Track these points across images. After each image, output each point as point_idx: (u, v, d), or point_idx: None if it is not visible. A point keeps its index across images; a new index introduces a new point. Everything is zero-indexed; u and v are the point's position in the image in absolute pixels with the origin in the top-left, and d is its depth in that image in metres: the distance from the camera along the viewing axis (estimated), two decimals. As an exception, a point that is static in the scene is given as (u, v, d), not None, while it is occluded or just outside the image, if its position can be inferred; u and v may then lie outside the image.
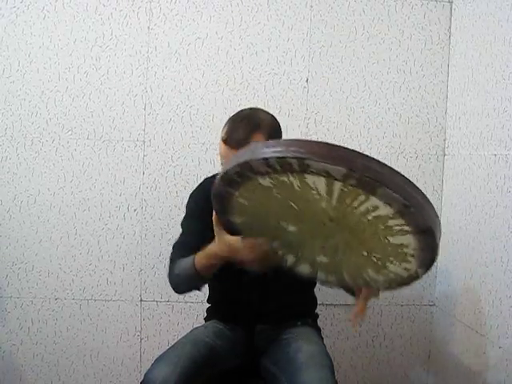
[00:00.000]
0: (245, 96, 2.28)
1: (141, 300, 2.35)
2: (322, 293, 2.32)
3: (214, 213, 1.54)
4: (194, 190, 1.93)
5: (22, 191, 2.28)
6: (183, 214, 1.89)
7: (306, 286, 1.93)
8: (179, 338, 1.78)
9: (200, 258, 1.65)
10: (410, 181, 1.21)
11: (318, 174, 1.21)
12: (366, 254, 1.40)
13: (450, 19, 2.37)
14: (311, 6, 2.32)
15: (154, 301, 2.35)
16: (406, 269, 1.39)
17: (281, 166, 1.23)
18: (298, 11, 2.31)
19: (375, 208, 1.24)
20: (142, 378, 1.58)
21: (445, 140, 2.39)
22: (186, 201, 1.91)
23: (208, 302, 1.97)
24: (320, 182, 1.24)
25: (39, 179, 2.28)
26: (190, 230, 1.83)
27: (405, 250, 1.32)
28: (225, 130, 1.66)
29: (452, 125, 2.34)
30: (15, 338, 2.32)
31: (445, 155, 2.39)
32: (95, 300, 2.33)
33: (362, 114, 2.35)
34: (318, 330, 1.93)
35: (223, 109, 2.25)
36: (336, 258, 1.49)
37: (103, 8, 2.26)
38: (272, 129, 1.68)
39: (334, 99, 2.34)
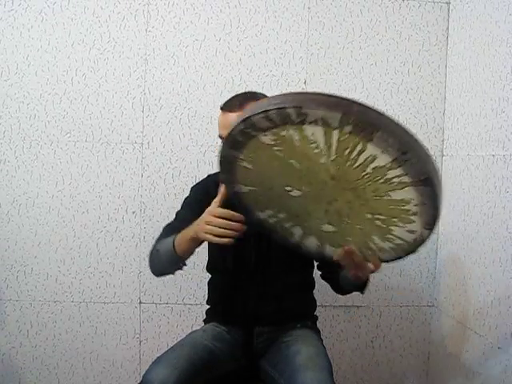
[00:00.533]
0: (243, 98, 2.28)
1: (140, 302, 2.35)
2: (321, 294, 2.31)
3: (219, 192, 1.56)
4: (197, 183, 1.95)
5: (21, 194, 2.28)
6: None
7: (305, 287, 1.93)
8: (178, 339, 1.78)
9: (179, 235, 1.65)
10: (407, 129, 1.22)
11: (315, 123, 1.24)
12: (369, 216, 1.41)
13: (448, 20, 2.37)
14: (309, 8, 2.32)
15: (153, 303, 2.35)
16: (410, 231, 1.39)
17: (280, 117, 1.26)
18: (296, 13, 2.32)
19: (373, 158, 1.25)
20: (140, 380, 1.58)
21: (443, 141, 2.39)
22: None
23: (207, 304, 1.97)
24: (318, 133, 1.26)
25: (38, 182, 2.28)
26: (183, 216, 1.83)
27: (407, 206, 1.33)
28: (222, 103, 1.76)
29: (450, 126, 2.34)
30: (14, 341, 2.32)
31: (443, 156, 2.39)
32: (94, 302, 2.33)
33: (360, 116, 2.35)
34: (318, 332, 1.92)
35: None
36: (341, 225, 1.48)
37: (101, 10, 2.26)
38: None
39: (332, 100, 2.34)
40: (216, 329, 1.84)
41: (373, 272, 1.53)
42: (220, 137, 1.72)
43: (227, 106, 1.72)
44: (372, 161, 1.26)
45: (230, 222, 1.50)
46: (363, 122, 1.21)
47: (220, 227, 1.50)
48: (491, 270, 1.97)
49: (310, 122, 1.25)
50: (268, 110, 1.27)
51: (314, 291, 1.97)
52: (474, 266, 2.09)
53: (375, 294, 2.41)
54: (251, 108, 1.33)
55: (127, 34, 2.28)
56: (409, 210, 1.34)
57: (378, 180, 1.30)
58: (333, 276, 1.83)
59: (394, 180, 1.28)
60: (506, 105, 1.90)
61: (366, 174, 1.30)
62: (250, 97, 1.72)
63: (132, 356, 2.36)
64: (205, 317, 1.96)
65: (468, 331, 2.12)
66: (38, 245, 2.30)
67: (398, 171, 1.25)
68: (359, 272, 1.52)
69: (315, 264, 1.94)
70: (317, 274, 1.94)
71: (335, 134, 1.24)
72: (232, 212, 1.52)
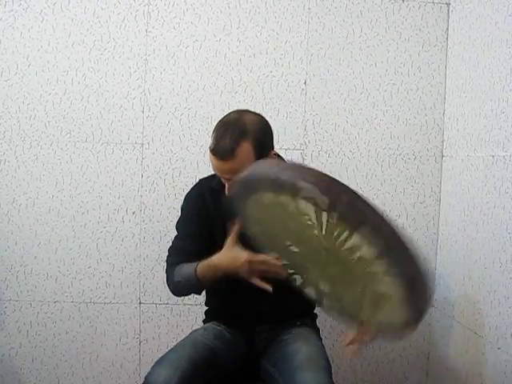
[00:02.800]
0: (243, 98, 2.28)
1: (140, 302, 2.35)
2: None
3: (231, 226, 1.64)
4: (189, 192, 1.93)
5: (21, 194, 2.28)
6: (176, 222, 1.90)
7: None
8: (178, 340, 1.79)
9: (202, 268, 1.69)
10: (394, 227, 1.21)
11: (307, 200, 1.24)
12: (360, 290, 1.39)
13: (448, 21, 2.37)
14: (309, 9, 2.32)
15: (153, 303, 2.35)
16: (399, 317, 1.36)
17: (277, 186, 1.28)
18: (296, 14, 2.32)
19: (358, 248, 1.24)
20: (142, 381, 1.58)
21: (443, 141, 2.39)
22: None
23: (207, 304, 1.97)
24: (310, 210, 1.26)
25: (38, 182, 2.28)
26: (186, 233, 1.84)
27: (392, 297, 1.30)
28: (212, 140, 1.65)
29: (450, 126, 2.34)
30: (14, 341, 2.32)
31: (443, 156, 2.39)
32: (94, 303, 2.33)
33: (360, 116, 2.35)
34: (318, 330, 1.93)
35: (221, 111, 2.23)
36: (335, 288, 1.48)
37: (101, 11, 2.26)
38: (259, 133, 1.66)
39: (332, 101, 2.34)
40: (217, 328, 1.85)
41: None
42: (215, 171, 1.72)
43: (219, 153, 1.62)
44: (357, 250, 1.25)
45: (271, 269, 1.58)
46: (349, 213, 1.20)
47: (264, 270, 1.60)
48: (491, 270, 1.97)
49: (303, 198, 1.25)
50: (269, 176, 1.31)
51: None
52: (473, 267, 2.09)
53: (375, 294, 2.41)
54: (260, 164, 1.40)
55: (127, 34, 2.28)
56: (392, 300, 1.31)
57: (363, 267, 1.29)
58: None
59: (379, 271, 1.26)
60: (506, 105, 1.90)
61: (353, 260, 1.29)
62: (239, 134, 1.62)
63: (132, 356, 2.36)
64: (204, 317, 1.96)
65: (468, 332, 2.12)
66: (38, 245, 2.30)
67: (382, 263, 1.24)
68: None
69: None
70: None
71: (325, 217, 1.24)
72: (268, 258, 1.59)
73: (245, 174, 1.40)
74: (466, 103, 2.20)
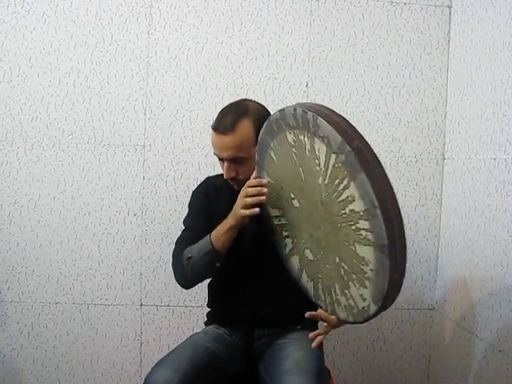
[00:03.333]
0: (245, 100, 2.28)
1: (141, 304, 2.35)
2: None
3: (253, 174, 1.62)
4: (197, 188, 1.94)
5: (23, 195, 2.28)
6: (183, 219, 1.90)
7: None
8: (179, 342, 1.79)
9: (216, 232, 1.66)
10: (390, 185, 1.21)
11: (322, 139, 1.27)
12: (337, 260, 1.38)
13: (449, 24, 2.38)
14: (311, 11, 2.33)
15: (154, 305, 2.35)
16: (362, 297, 1.33)
17: (302, 120, 1.31)
18: (298, 16, 2.32)
19: (352, 199, 1.24)
20: (142, 383, 1.58)
21: (444, 144, 2.39)
22: (186, 205, 1.91)
23: (208, 306, 1.97)
24: (322, 151, 1.28)
25: (39, 183, 2.28)
26: (194, 226, 1.83)
27: (364, 267, 1.28)
28: (214, 120, 1.72)
29: (451, 129, 2.35)
30: (15, 343, 2.32)
31: (444, 159, 2.39)
32: (95, 304, 2.33)
33: (361, 119, 2.35)
34: (318, 333, 1.92)
35: None
36: (317, 255, 1.47)
37: (103, 13, 2.27)
38: (259, 113, 1.71)
39: (334, 104, 2.34)
40: (217, 331, 1.84)
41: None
42: (215, 154, 1.72)
43: (220, 128, 1.67)
44: (351, 202, 1.25)
45: (260, 188, 1.55)
46: (353, 158, 1.21)
47: (251, 195, 1.56)
48: (492, 273, 1.97)
49: (320, 136, 1.27)
50: (296, 108, 1.33)
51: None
52: (475, 270, 2.09)
53: (376, 296, 2.41)
54: (284, 108, 1.40)
55: (129, 36, 2.28)
56: (365, 273, 1.28)
57: (351, 225, 1.28)
58: None
59: (362, 233, 1.25)
60: (508, 108, 1.90)
61: (345, 214, 1.29)
62: (241, 112, 1.68)
63: (133, 358, 2.36)
64: (205, 319, 1.96)
65: (469, 334, 2.12)
66: (40, 246, 2.30)
67: (365, 224, 1.23)
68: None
69: None
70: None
71: (333, 159, 1.26)
72: (259, 179, 1.58)
73: (275, 113, 1.45)
74: (467, 106, 2.20)
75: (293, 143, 1.38)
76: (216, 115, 1.72)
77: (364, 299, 1.32)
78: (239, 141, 1.65)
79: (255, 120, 1.67)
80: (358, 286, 1.33)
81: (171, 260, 1.82)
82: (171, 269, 2.27)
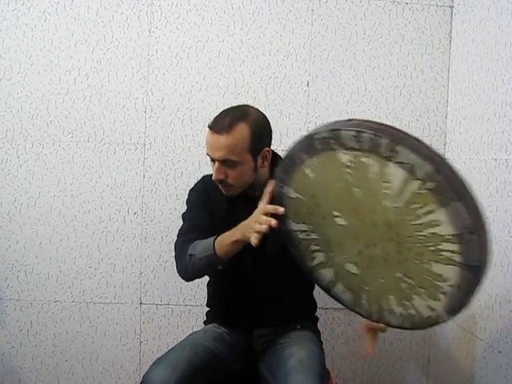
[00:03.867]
0: (245, 99, 2.28)
1: (140, 303, 2.35)
2: (321, 296, 2.30)
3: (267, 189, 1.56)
4: (195, 185, 1.91)
5: (22, 193, 2.28)
6: (182, 214, 1.89)
7: (305, 289, 1.93)
8: (179, 341, 1.79)
9: (222, 236, 1.61)
10: (482, 211, 1.23)
11: (401, 165, 1.22)
12: (399, 275, 1.39)
13: (451, 24, 2.37)
14: (312, 10, 2.32)
15: (153, 304, 2.35)
16: (430, 308, 1.37)
17: (370, 144, 1.24)
18: (299, 15, 2.32)
19: (437, 224, 1.24)
20: (141, 381, 1.58)
21: (445, 144, 2.39)
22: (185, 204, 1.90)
23: (207, 305, 1.97)
24: (398, 176, 1.24)
25: (39, 182, 2.28)
26: (195, 215, 1.81)
27: (441, 283, 1.31)
28: (212, 119, 1.69)
29: (452, 129, 2.34)
30: (14, 341, 2.32)
31: (445, 159, 2.39)
32: (95, 303, 2.33)
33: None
34: (318, 333, 1.92)
35: None
36: (366, 271, 1.47)
37: (104, 11, 2.26)
38: (259, 121, 1.70)
39: (335, 103, 2.34)
40: (217, 330, 1.84)
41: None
42: (208, 154, 1.69)
43: (216, 127, 1.64)
44: (434, 226, 1.25)
45: (270, 220, 1.48)
46: (449, 186, 1.20)
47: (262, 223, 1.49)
48: (492, 273, 1.95)
49: (397, 162, 1.23)
50: (362, 132, 1.25)
51: (314, 293, 1.96)
52: (475, 270, 2.09)
53: (376, 296, 2.41)
54: (346, 121, 1.33)
55: (130, 34, 2.28)
56: (441, 288, 1.32)
57: (428, 246, 1.29)
58: None
59: (444, 254, 1.26)
60: (509, 109, 1.90)
61: (421, 236, 1.29)
62: (239, 116, 1.66)
63: (132, 357, 2.36)
64: (205, 318, 1.96)
65: (468, 335, 2.12)
66: (39, 244, 2.30)
67: (453, 247, 1.24)
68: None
69: None
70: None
71: (414, 186, 1.23)
72: (280, 208, 1.50)
73: (318, 130, 1.36)
74: (468, 106, 2.20)
75: (348, 164, 1.32)
76: (216, 114, 1.71)
77: (432, 309, 1.38)
78: (233, 143, 1.62)
79: (253, 126, 1.66)
80: (426, 298, 1.37)
81: (174, 251, 1.78)
82: (171, 267, 2.28)
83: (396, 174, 1.24)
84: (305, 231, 1.56)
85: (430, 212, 1.24)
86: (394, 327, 1.54)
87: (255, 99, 2.28)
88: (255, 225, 1.49)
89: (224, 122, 1.64)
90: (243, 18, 2.30)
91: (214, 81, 2.30)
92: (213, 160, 1.68)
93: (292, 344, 1.76)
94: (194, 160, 2.30)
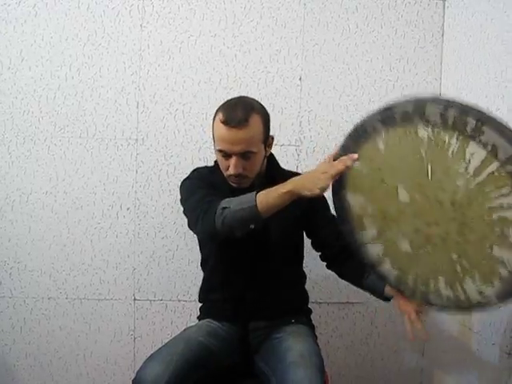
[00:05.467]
0: (238, 94, 2.20)
1: (134, 299, 2.34)
2: (315, 291, 2.33)
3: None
4: (189, 175, 1.89)
5: (14, 190, 2.26)
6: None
7: (298, 280, 1.95)
8: (173, 336, 1.78)
9: (267, 192, 1.57)
10: None
11: (484, 145, 1.23)
12: (455, 257, 1.39)
13: (443, 17, 2.37)
14: (304, 4, 2.31)
15: (147, 300, 2.34)
16: (481, 293, 1.37)
17: (455, 121, 1.26)
18: (292, 9, 2.31)
19: (509, 208, 1.25)
20: (134, 376, 1.58)
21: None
22: (179, 199, 1.88)
23: (200, 300, 1.97)
24: (478, 156, 1.25)
25: (31, 178, 2.26)
26: (204, 190, 1.74)
27: (499, 268, 1.31)
28: (221, 115, 1.68)
29: (445, 123, 2.34)
30: (8, 338, 2.31)
31: (438, 153, 2.39)
32: (88, 299, 2.32)
33: (355, 113, 2.34)
34: (312, 327, 1.93)
35: (216, 107, 2.22)
36: (420, 250, 1.46)
37: (95, 5, 2.25)
38: (263, 110, 1.75)
39: (328, 97, 2.34)
40: (211, 325, 1.84)
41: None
42: (221, 151, 1.68)
43: (233, 121, 1.63)
44: (506, 209, 1.25)
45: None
46: None
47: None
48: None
49: (480, 142, 1.23)
50: (449, 107, 1.27)
51: (308, 287, 1.98)
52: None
53: (370, 290, 2.41)
54: (433, 96, 1.37)
55: (122, 29, 2.26)
56: (498, 273, 1.32)
57: (494, 229, 1.29)
58: (342, 269, 1.89)
59: (511, 239, 1.27)
60: (501, 102, 1.90)
61: (489, 219, 1.29)
62: (250, 108, 1.68)
63: (126, 353, 2.36)
64: (199, 314, 1.96)
65: (462, 328, 2.13)
66: (32, 241, 2.28)
67: None
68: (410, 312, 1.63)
69: (318, 254, 1.94)
70: (308, 266, 1.97)
71: (493, 167, 1.24)
72: (354, 154, 1.48)
73: (400, 103, 1.36)
74: (461, 99, 2.20)
75: (427, 139, 1.33)
76: (211, 109, 1.72)
77: (481, 294, 1.38)
78: (251, 135, 1.65)
79: (263, 116, 1.71)
80: (479, 283, 1.37)
81: (191, 216, 1.72)
82: (165, 263, 2.30)
83: (476, 153, 1.25)
84: (360, 204, 1.54)
85: (503, 195, 1.25)
86: (438, 309, 1.56)
87: (248, 94, 2.22)
88: (322, 175, 1.49)
89: (239, 115, 1.65)
90: (235, 12, 2.29)
91: (207, 75, 2.29)
92: (227, 155, 1.68)
93: (289, 338, 1.76)
94: (187, 155, 2.29)
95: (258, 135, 1.66)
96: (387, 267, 1.58)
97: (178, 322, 2.33)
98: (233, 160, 1.67)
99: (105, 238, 2.31)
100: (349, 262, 1.81)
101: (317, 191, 1.49)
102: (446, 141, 1.29)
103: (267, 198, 1.56)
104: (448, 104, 1.28)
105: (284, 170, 1.93)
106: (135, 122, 2.29)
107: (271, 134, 1.80)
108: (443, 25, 2.37)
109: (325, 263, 1.95)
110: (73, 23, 2.24)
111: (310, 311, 1.97)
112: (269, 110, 1.80)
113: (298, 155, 2.32)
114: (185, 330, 1.84)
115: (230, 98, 2.19)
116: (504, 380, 1.84)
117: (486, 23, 2.02)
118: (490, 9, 2.01)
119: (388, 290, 1.72)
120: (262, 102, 1.77)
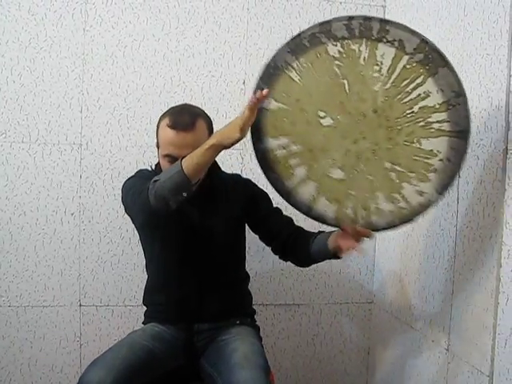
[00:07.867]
0: (182, 98, 2.27)
1: (80, 305, 2.31)
2: (262, 293, 2.35)
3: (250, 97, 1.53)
4: (133, 175, 1.91)
5: (-46, 196, 2.21)
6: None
7: (241, 281, 1.96)
8: (119, 341, 1.78)
9: (190, 155, 1.58)
10: (460, 79, 1.41)
11: (391, 43, 1.39)
12: (388, 165, 1.47)
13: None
14: (248, 9, 2.34)
15: (93, 305, 2.32)
16: (420, 192, 1.47)
17: (361, 29, 1.40)
18: (235, 14, 2.33)
19: (426, 95, 1.39)
20: (77, 382, 1.56)
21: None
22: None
23: (144, 303, 1.96)
24: (388, 55, 1.40)
25: (-28, 184, 2.22)
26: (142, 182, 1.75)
27: (431, 160, 1.43)
28: (168, 120, 1.71)
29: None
30: None
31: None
32: (32, 306, 2.28)
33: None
34: (257, 329, 1.95)
35: (160, 111, 2.16)
36: (353, 172, 1.51)
37: (37, 8, 2.22)
38: (207, 116, 1.78)
39: (272, 101, 2.36)
40: (155, 328, 1.84)
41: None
42: (168, 155, 1.69)
43: (180, 126, 1.67)
44: (423, 98, 1.39)
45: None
46: (436, 54, 1.37)
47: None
48: (425, 266, 2.03)
49: (387, 41, 1.38)
50: (353, 17, 1.41)
51: (254, 289, 2.00)
52: (409, 263, 2.15)
53: (315, 291, 2.44)
54: (330, 18, 1.45)
55: (64, 32, 2.24)
56: (431, 165, 1.44)
57: (418, 122, 1.42)
58: (293, 251, 1.86)
59: (434, 126, 1.41)
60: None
61: (411, 113, 1.41)
62: (195, 113, 1.73)
63: (72, 360, 2.33)
64: (143, 319, 1.95)
65: (404, 326, 2.18)
66: (-27, 248, 2.24)
67: (442, 115, 1.39)
68: (349, 242, 1.58)
69: (263, 256, 1.97)
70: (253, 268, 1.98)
71: (404, 60, 1.38)
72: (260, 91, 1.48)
73: (308, 28, 1.46)
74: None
75: (338, 55, 1.43)
76: (155, 113, 1.73)
77: (422, 193, 1.47)
78: (198, 138, 1.66)
79: (206, 121, 1.75)
80: (416, 182, 1.47)
81: (126, 198, 1.82)
82: (110, 268, 2.29)
83: (386, 53, 1.39)
84: (284, 146, 1.55)
85: (419, 85, 1.39)
86: (383, 229, 1.57)
87: (192, 98, 2.28)
88: (238, 120, 1.53)
89: (186, 119, 1.68)
90: (179, 16, 2.30)
91: (150, 80, 2.29)
92: (174, 159, 1.67)
93: (234, 339, 1.78)
94: (131, 159, 2.28)
95: (203, 140, 1.65)
96: (323, 204, 1.58)
97: (125, 327, 2.32)
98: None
99: (49, 243, 2.28)
100: (298, 242, 1.82)
101: (237, 135, 1.52)
102: (356, 50, 1.41)
103: (192, 159, 1.58)
104: (351, 16, 1.43)
105: (225, 172, 1.96)
106: (79, 126, 2.26)
107: None
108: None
109: (277, 256, 1.93)
110: (13, 26, 2.20)
111: (254, 312, 1.98)
112: (213, 114, 1.82)
113: (242, 159, 2.34)
114: (129, 334, 1.85)
115: (174, 102, 2.22)
116: (442, 375, 1.89)
117: (423, 29, 2.02)
118: (426, 16, 2.08)
119: (331, 239, 1.69)
120: (206, 106, 1.79)
